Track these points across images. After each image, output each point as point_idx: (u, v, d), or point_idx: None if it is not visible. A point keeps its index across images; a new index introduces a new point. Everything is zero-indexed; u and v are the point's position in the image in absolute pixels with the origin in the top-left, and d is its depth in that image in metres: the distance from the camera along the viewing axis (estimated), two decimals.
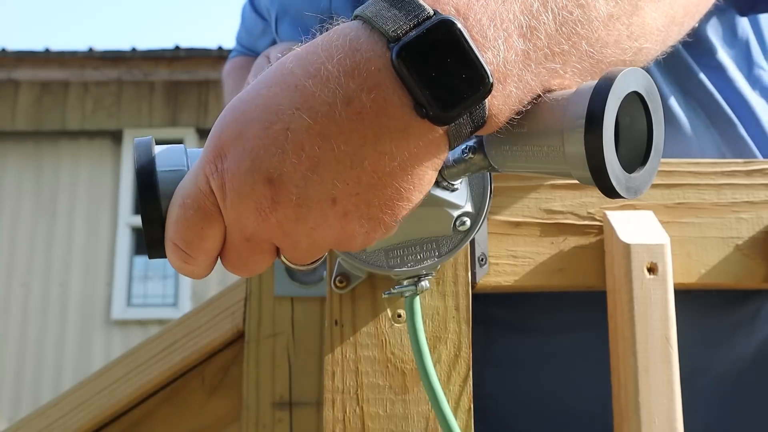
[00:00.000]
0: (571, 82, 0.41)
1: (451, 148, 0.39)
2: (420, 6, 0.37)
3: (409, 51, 0.36)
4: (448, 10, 0.37)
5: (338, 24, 0.40)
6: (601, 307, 0.61)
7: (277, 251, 0.42)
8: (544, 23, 0.39)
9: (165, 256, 0.43)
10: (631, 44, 0.44)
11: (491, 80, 0.37)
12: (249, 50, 1.18)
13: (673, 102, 0.71)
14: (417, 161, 0.39)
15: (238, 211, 0.39)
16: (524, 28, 0.38)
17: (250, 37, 1.17)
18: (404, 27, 0.37)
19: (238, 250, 0.41)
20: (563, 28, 0.39)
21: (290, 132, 0.37)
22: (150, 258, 0.43)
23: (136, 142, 0.43)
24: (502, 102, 0.39)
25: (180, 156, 0.43)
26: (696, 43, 0.71)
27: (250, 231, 0.40)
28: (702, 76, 0.72)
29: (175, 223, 0.41)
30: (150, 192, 0.41)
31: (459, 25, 0.37)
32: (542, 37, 0.39)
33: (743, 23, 0.76)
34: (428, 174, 0.40)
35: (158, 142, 0.44)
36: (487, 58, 0.37)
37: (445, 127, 0.38)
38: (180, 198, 0.40)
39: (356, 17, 0.39)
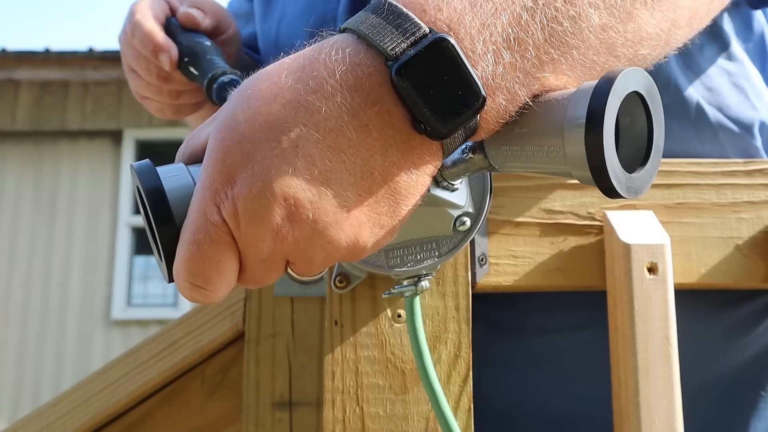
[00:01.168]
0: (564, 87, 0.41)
1: (445, 156, 0.41)
2: (416, 24, 0.38)
3: (408, 69, 0.37)
4: (440, 27, 0.38)
5: (328, 37, 0.40)
6: (601, 307, 0.61)
7: (287, 264, 0.41)
8: (532, 35, 0.39)
9: None
10: (626, 51, 0.44)
11: (484, 95, 0.38)
12: None
13: (691, 96, 0.71)
14: (418, 169, 0.40)
15: (255, 236, 0.38)
16: (512, 41, 0.39)
17: (237, 21, 1.16)
18: (402, 45, 0.37)
19: (253, 271, 0.40)
20: (553, 39, 0.40)
21: (299, 148, 0.37)
22: (169, 282, 0.42)
23: (136, 168, 0.41)
24: (492, 115, 0.39)
25: (185, 175, 0.41)
26: (713, 38, 0.71)
27: (266, 253, 0.39)
28: (718, 71, 0.72)
29: (188, 262, 0.39)
30: (164, 216, 0.40)
31: (453, 42, 0.37)
32: (530, 49, 0.39)
33: (758, 17, 0.76)
34: (426, 179, 0.41)
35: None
36: (477, 73, 0.38)
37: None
38: (189, 235, 0.39)
39: (347, 30, 0.39)
